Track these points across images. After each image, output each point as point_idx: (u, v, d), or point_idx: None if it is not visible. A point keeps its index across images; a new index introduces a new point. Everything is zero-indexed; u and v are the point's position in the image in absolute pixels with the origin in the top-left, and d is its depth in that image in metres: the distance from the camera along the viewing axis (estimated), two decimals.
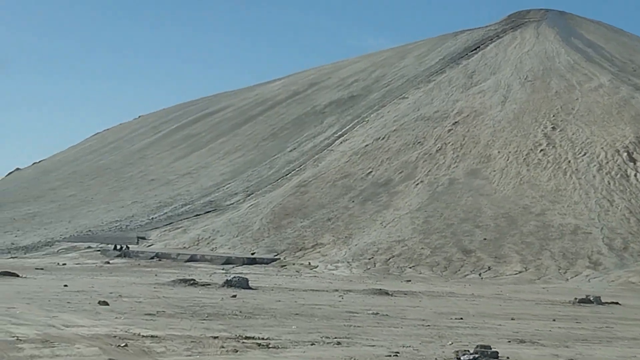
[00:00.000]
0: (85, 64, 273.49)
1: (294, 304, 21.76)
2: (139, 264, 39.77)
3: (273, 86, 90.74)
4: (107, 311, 17.98)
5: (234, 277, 26.31)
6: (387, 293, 26.33)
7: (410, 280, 34.01)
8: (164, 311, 18.49)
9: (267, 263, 40.29)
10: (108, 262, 40.37)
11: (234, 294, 23.16)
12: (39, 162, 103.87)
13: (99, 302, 19.42)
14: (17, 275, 28.55)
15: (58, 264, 40.03)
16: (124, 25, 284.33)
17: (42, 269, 35.13)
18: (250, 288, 25.56)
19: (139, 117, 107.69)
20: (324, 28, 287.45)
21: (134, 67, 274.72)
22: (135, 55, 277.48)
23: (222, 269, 37.64)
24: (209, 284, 26.35)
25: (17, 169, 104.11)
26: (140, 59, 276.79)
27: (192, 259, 40.96)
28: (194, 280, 26.69)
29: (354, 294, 26.00)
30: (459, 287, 31.37)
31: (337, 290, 27.19)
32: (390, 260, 40.05)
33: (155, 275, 32.69)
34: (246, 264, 39.63)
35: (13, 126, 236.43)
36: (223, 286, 25.50)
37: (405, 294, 26.71)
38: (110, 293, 22.44)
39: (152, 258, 41.84)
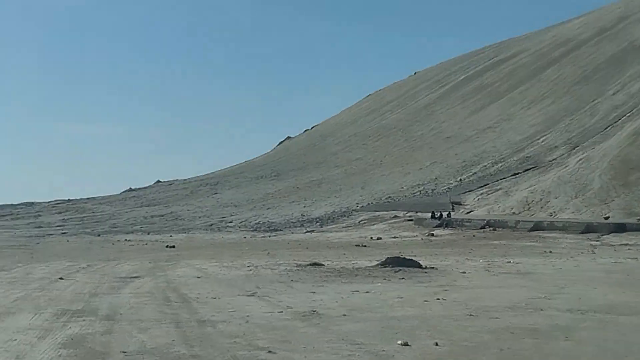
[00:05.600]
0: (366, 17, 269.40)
1: None
2: (473, 236, 31.46)
3: (571, 25, 79.53)
4: None
5: None
6: None
7: None
8: None
9: (639, 230, 30.73)
10: (432, 234, 32.51)
11: None
12: (311, 128, 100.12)
13: None
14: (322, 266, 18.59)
15: (371, 238, 32.73)
16: None
17: (364, 246, 27.71)
18: None
19: (415, 73, 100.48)
20: None
21: (411, 21, 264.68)
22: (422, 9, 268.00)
23: (587, 239, 28.69)
24: None
25: (289, 137, 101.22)
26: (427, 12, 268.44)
27: (538, 227, 32.11)
28: None
29: None
30: None
31: None
32: None
33: (573, 256, 22.87)
34: (613, 232, 30.26)
35: (280, 97, 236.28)
36: None
37: None
38: None
39: (483, 227, 33.55)
